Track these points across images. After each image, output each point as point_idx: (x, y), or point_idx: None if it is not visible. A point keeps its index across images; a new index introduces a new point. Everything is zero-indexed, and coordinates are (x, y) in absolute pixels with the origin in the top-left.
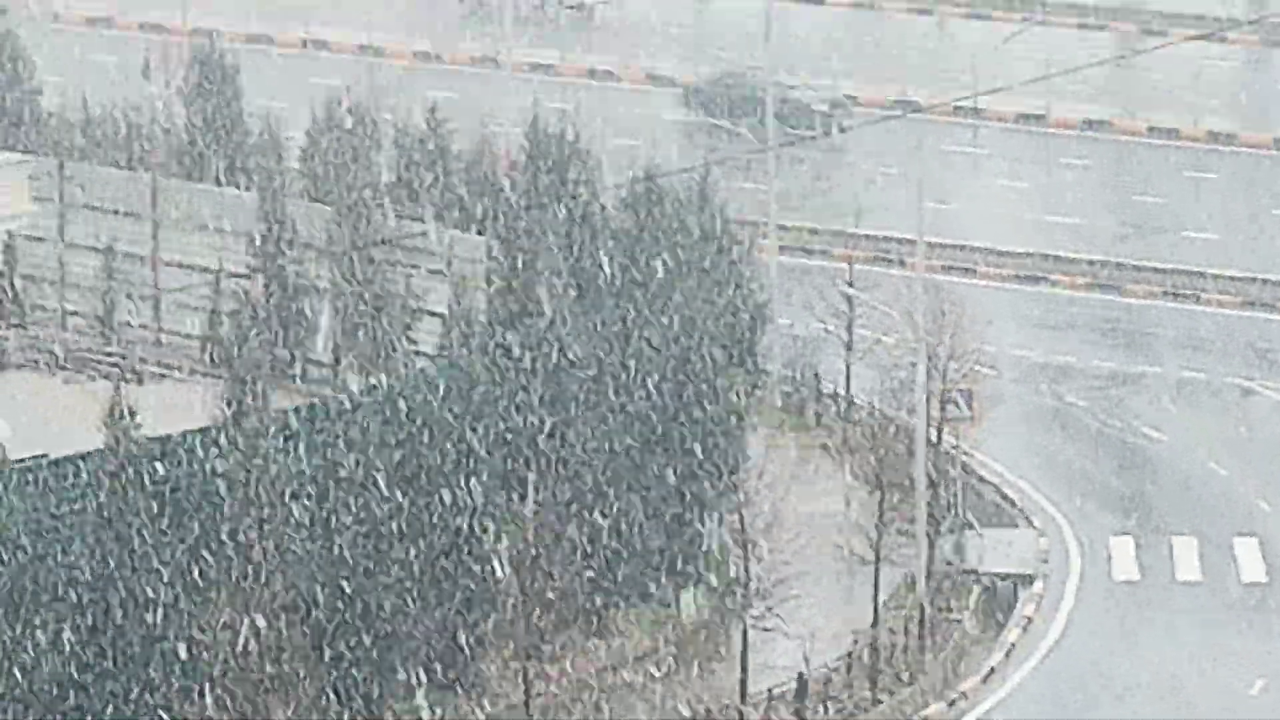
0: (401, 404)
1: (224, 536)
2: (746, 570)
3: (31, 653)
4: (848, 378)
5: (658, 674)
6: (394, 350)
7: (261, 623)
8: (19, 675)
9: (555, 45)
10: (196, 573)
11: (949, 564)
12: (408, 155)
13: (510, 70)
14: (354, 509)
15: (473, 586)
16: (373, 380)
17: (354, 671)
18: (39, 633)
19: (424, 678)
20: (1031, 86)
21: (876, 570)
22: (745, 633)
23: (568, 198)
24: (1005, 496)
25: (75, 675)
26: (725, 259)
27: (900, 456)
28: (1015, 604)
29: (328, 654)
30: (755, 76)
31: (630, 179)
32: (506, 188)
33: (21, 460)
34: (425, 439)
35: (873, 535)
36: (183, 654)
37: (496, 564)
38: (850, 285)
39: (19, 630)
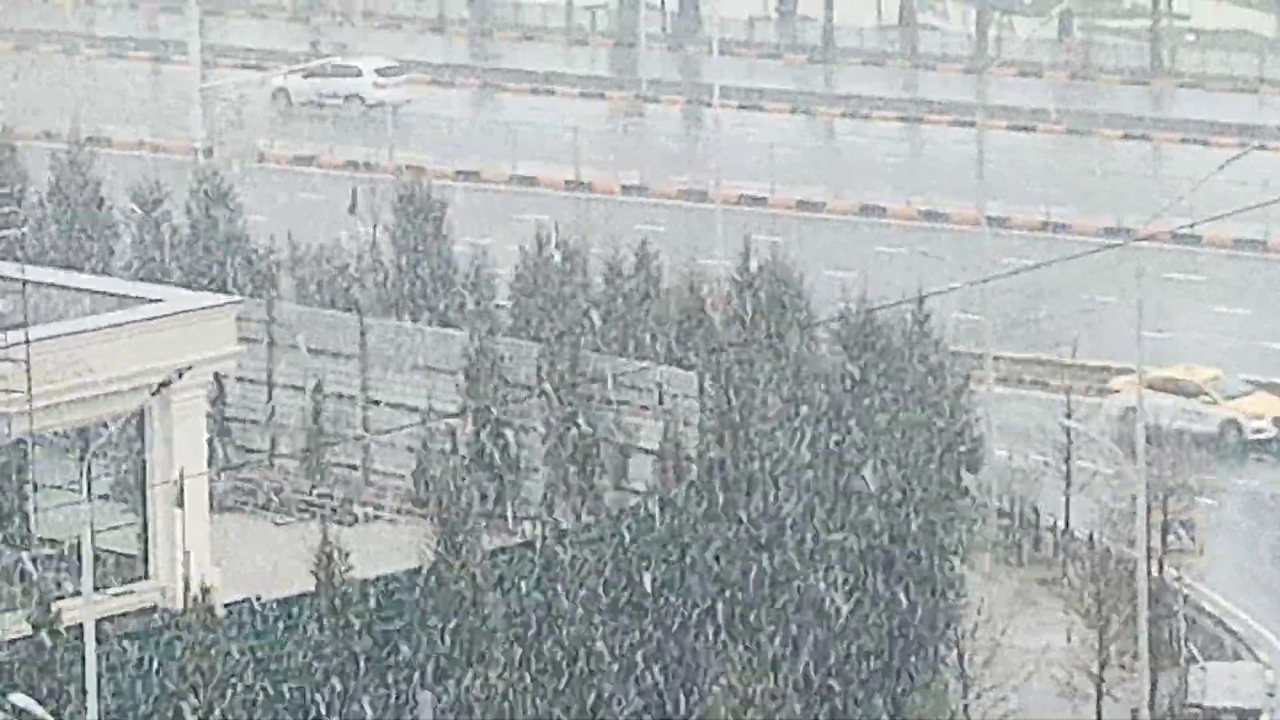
0: (613, 542)
1: (435, 678)
2: (966, 706)
3: None
4: (1067, 510)
5: None
6: (605, 488)
7: None
8: None
9: (765, 177)
10: (407, 716)
11: (1173, 699)
12: (617, 290)
13: (719, 203)
14: (566, 649)
15: None
16: (584, 518)
17: None
18: None
19: None
20: (1250, 212)
21: (1099, 705)
22: None
23: (780, 331)
24: (1229, 629)
25: None
26: (941, 391)
27: (1121, 589)
28: None
29: None
30: None
31: (844, 311)
32: (717, 322)
33: (233, 603)
34: (637, 578)
35: (1094, 670)
36: None
37: (712, 707)
38: (1069, 416)
39: None
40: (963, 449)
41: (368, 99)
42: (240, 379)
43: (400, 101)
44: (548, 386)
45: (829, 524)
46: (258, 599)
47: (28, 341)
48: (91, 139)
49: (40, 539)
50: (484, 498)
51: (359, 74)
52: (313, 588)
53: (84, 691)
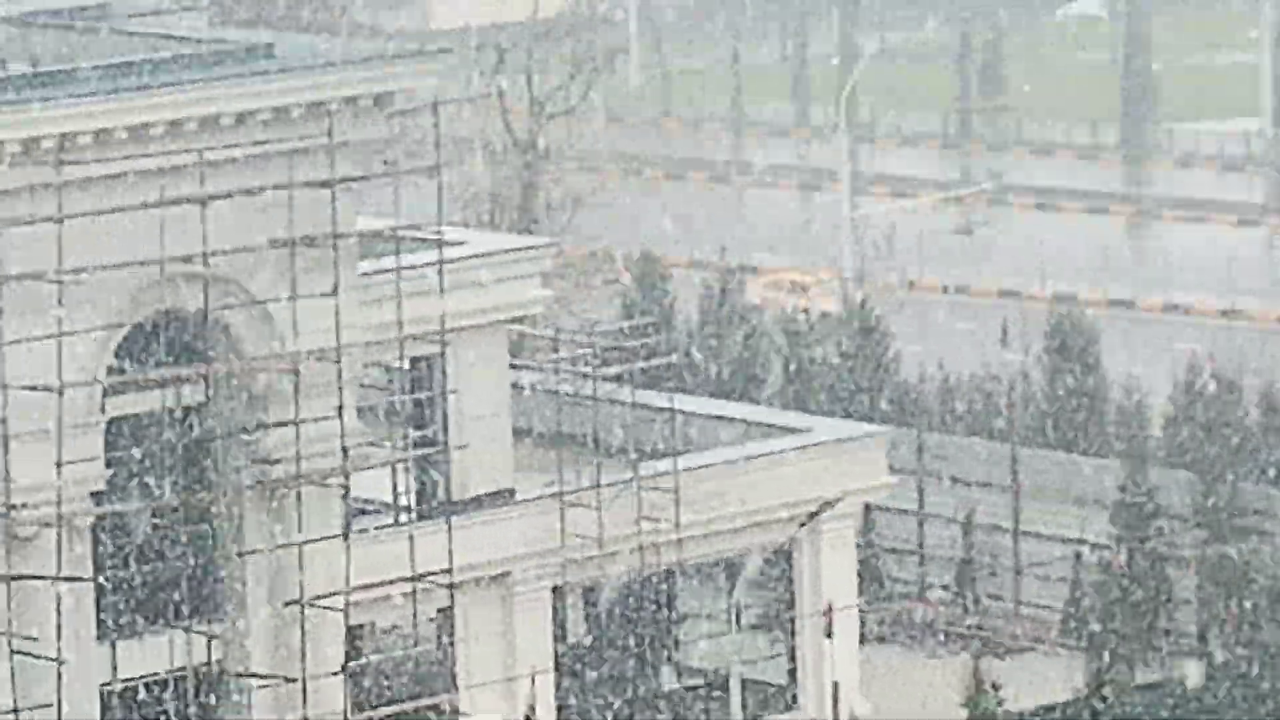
0: (1271, 678)
1: None
2: None
3: None
4: None
5: None
6: (1261, 622)
7: None
8: None
9: None
10: None
11: None
12: (1273, 421)
13: None
14: None
15: None
16: (1239, 653)
17: None
18: None
19: None
20: None
21: None
22: None
23: None
24: None
25: None
26: None
27: None
28: None
29: None
30: None
31: None
32: None
33: None
34: None
35: None
36: None
37: None
38: None
39: None
40: None
41: None
42: (890, 509)
43: None
44: (1202, 516)
45: None
46: None
47: (676, 471)
48: (741, 267)
49: (689, 668)
50: (1137, 630)
51: None
52: None
53: None
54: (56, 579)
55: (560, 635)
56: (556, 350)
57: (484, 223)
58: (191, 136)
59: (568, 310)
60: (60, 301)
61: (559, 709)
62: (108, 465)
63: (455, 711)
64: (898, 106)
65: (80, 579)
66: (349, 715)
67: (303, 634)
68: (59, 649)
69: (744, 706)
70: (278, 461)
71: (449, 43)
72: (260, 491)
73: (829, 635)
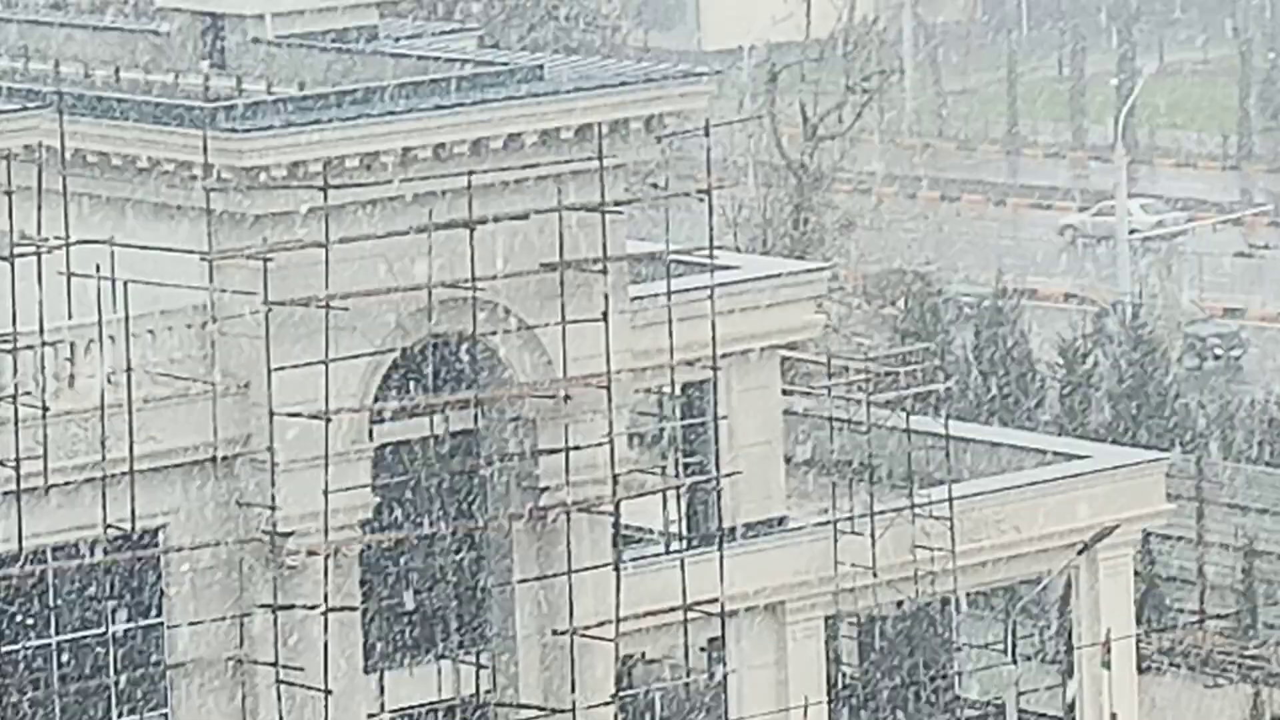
0: None
1: None
2: None
3: None
4: None
5: None
6: None
7: None
8: None
9: None
10: None
11: None
12: None
13: None
14: None
15: None
16: None
17: None
18: None
19: None
20: None
21: None
22: None
23: None
24: None
25: None
26: None
27: None
28: None
29: None
30: None
31: None
32: None
33: None
34: None
35: None
36: None
37: None
38: None
39: None
40: None
41: None
42: (1169, 537)
43: None
44: None
45: None
46: None
47: (951, 499)
48: (1017, 290)
49: (965, 700)
50: None
51: None
52: None
53: None
54: (324, 609)
55: (834, 665)
56: (829, 375)
57: (756, 246)
58: (459, 160)
59: (840, 334)
60: (328, 327)
61: None
62: (376, 493)
63: None
64: (1177, 127)
65: (348, 608)
66: None
67: (573, 664)
68: (325, 679)
69: None
70: (547, 489)
71: (721, 64)
72: (530, 519)
73: (1107, 665)
